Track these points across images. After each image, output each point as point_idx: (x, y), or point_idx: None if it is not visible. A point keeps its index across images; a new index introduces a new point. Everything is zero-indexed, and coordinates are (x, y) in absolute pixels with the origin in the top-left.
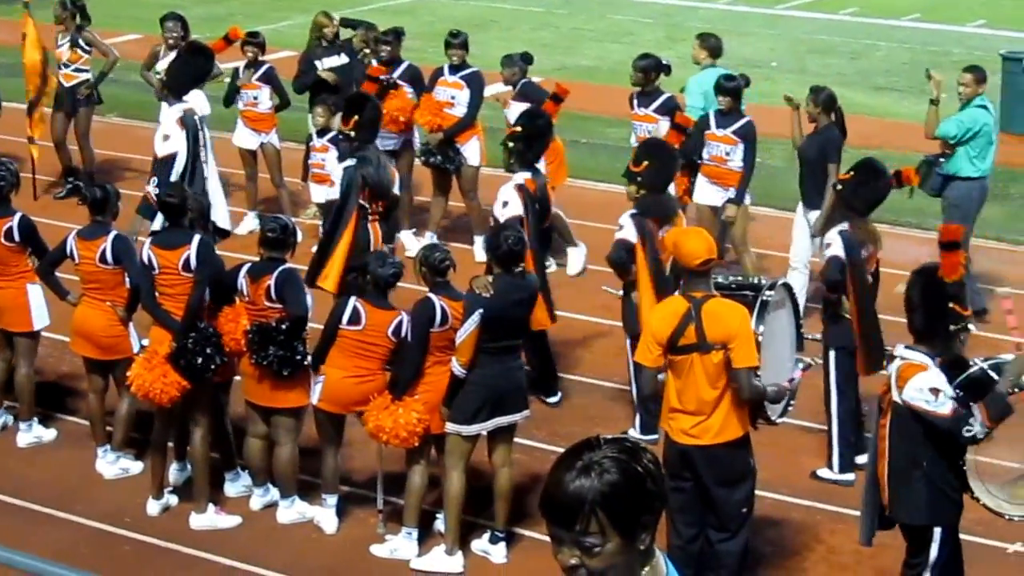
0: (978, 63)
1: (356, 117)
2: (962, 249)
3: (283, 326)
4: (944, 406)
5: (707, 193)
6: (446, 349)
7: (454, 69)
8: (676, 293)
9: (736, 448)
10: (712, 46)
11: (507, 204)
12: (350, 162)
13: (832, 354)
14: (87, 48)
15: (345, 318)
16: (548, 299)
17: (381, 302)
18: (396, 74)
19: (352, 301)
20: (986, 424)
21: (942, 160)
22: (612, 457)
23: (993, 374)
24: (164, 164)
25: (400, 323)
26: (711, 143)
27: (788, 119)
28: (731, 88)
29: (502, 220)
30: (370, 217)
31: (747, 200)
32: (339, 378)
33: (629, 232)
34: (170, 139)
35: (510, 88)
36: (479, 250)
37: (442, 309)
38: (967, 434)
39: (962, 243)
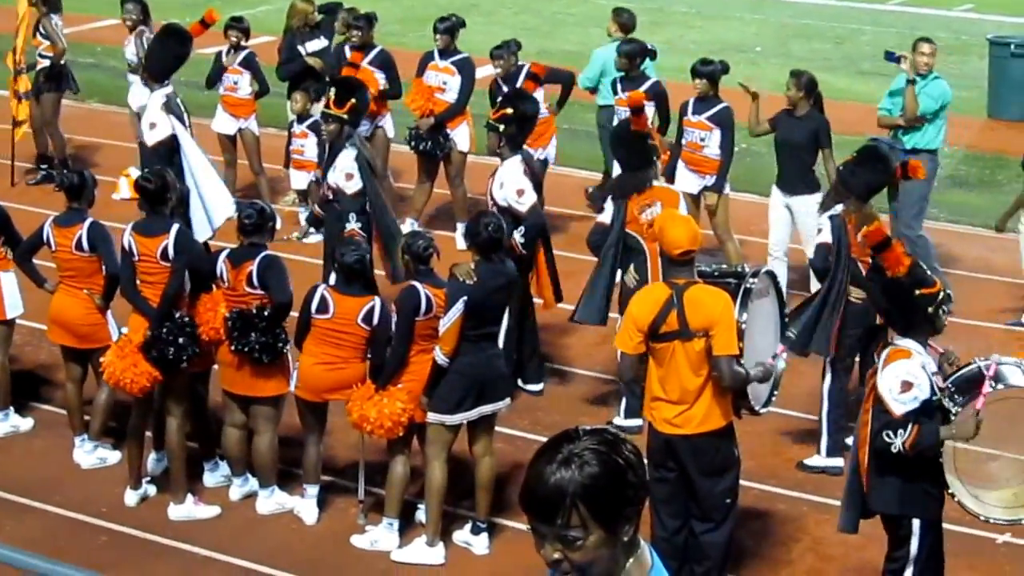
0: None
1: (353, 101)
2: (896, 240)
3: (265, 312)
4: (901, 404)
5: (685, 180)
6: (430, 338)
7: (444, 54)
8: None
9: (720, 438)
10: (624, 21)
11: (523, 192)
12: (354, 151)
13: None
14: (45, 35)
15: (313, 306)
16: (556, 280)
17: (350, 289)
18: (367, 59)
19: (320, 289)
20: (906, 448)
21: (901, 141)
22: (592, 449)
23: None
24: (156, 153)
25: (371, 310)
26: (687, 129)
27: (772, 104)
28: (707, 72)
29: (523, 210)
30: None
31: (727, 188)
32: (310, 364)
33: (606, 215)
34: (157, 127)
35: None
36: (460, 237)
37: (427, 297)
38: (886, 440)
39: (894, 235)
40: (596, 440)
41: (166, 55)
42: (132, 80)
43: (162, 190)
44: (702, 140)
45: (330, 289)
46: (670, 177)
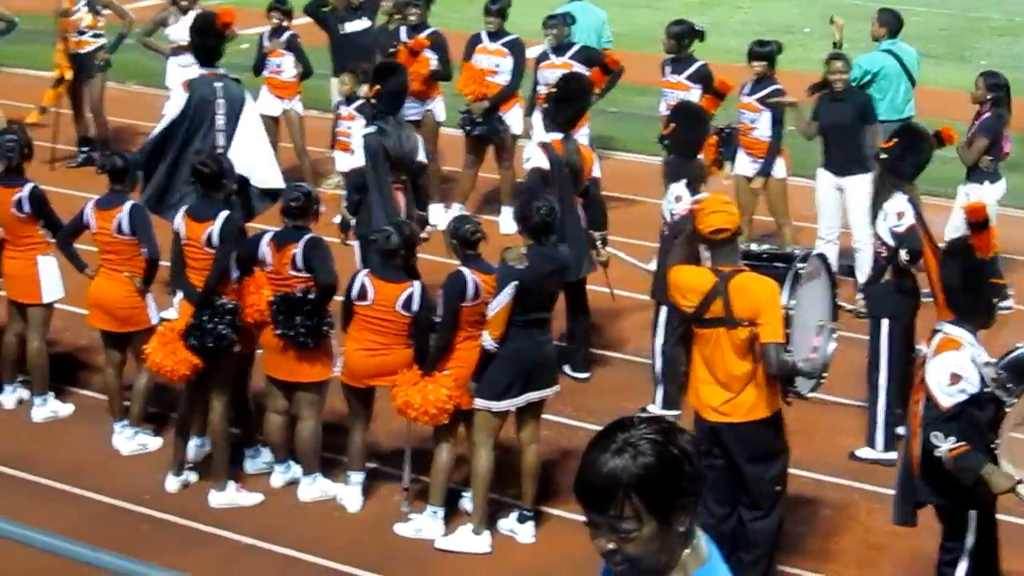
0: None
1: (379, 86)
2: (992, 225)
3: (309, 295)
4: (949, 397)
5: (741, 163)
6: (477, 324)
7: (494, 36)
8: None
9: (768, 426)
10: None
11: (529, 159)
12: (369, 129)
13: (885, 324)
14: (102, 11)
15: (354, 293)
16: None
17: (388, 275)
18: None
19: (360, 276)
20: (947, 459)
21: None
22: (648, 438)
23: None
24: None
25: (410, 296)
26: (741, 111)
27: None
28: (764, 53)
29: (526, 172)
30: (394, 187)
31: (782, 171)
32: (353, 350)
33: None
34: (170, 101)
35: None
36: (505, 221)
37: (474, 282)
38: (933, 440)
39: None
40: (652, 429)
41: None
42: (170, 62)
43: (218, 175)
44: (752, 122)
45: (369, 275)
46: (731, 159)
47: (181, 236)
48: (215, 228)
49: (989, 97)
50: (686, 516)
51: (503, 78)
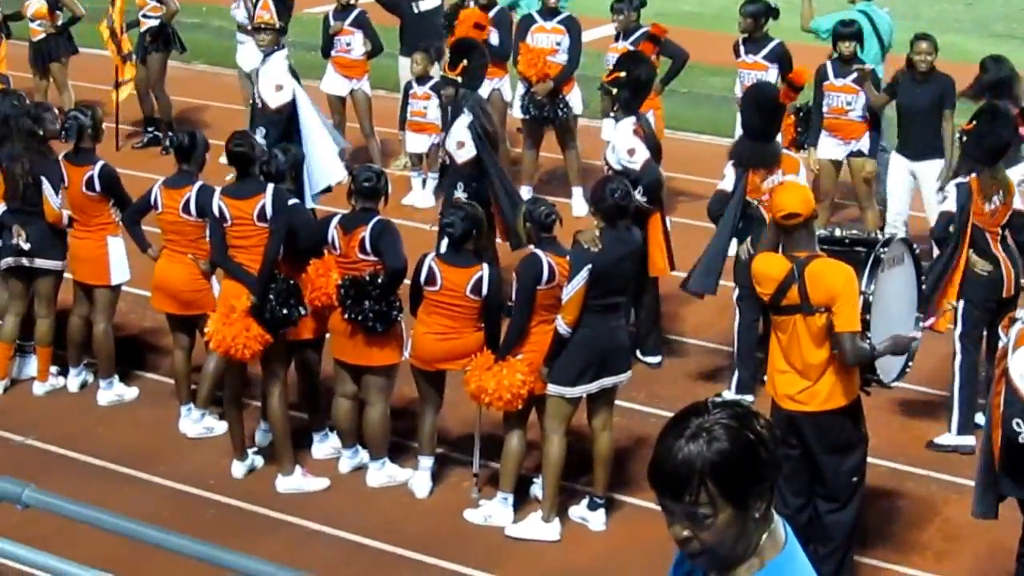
0: None
1: (465, 62)
2: None
3: (378, 279)
4: None
5: (827, 147)
6: (551, 308)
7: (548, 15)
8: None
9: (846, 415)
10: None
11: (634, 151)
12: (468, 118)
13: (960, 305)
14: None
15: (422, 278)
16: (669, 245)
17: (457, 259)
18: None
19: (428, 260)
20: None
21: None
22: (723, 423)
23: None
24: (278, 115)
25: (479, 280)
26: (830, 94)
27: (899, 67)
28: (852, 34)
29: (637, 167)
30: None
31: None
32: (422, 334)
33: (727, 182)
34: (283, 88)
35: None
36: (577, 203)
37: (549, 266)
38: (1015, 427)
39: None
40: (727, 414)
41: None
42: (243, 40)
43: (251, 154)
44: (848, 104)
45: (437, 260)
46: (814, 144)
47: (226, 218)
48: (267, 200)
49: None
50: (762, 502)
51: (562, 57)
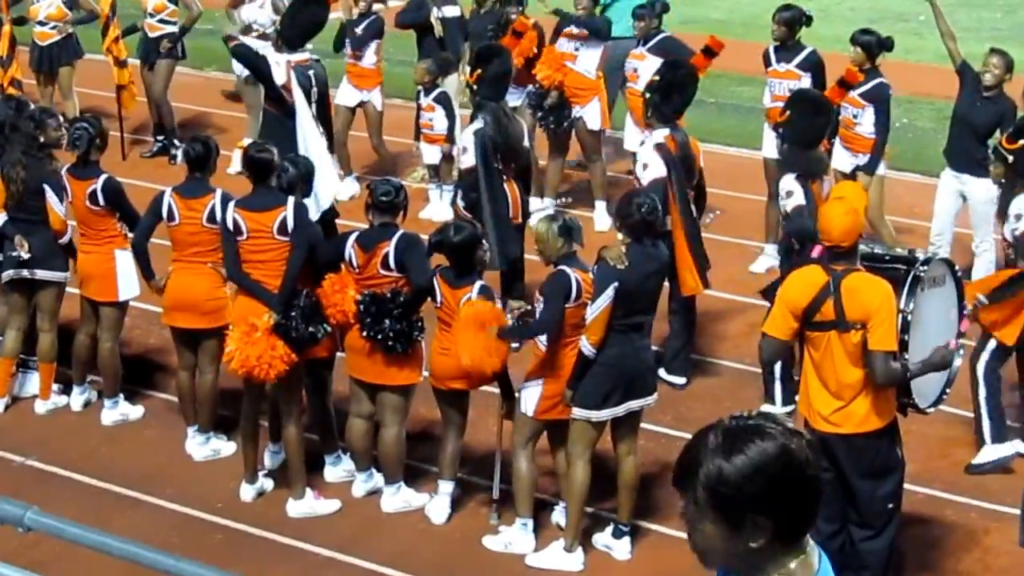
0: None
1: (480, 71)
2: None
3: (400, 297)
4: None
5: (839, 157)
6: (575, 327)
7: (579, 22)
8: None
9: (881, 438)
10: None
11: (647, 167)
12: (477, 124)
13: None
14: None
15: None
16: (702, 263)
17: (456, 279)
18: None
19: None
20: None
21: None
22: (744, 441)
23: None
24: (280, 123)
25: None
26: (842, 104)
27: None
28: (863, 42)
29: (645, 183)
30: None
31: (882, 169)
32: (435, 350)
33: (798, 197)
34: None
35: None
36: (600, 218)
37: (577, 282)
38: None
39: None
40: (772, 445)
41: (300, 22)
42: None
43: (273, 162)
44: (855, 117)
45: (438, 277)
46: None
47: (241, 231)
48: (288, 213)
49: None
50: (761, 534)
51: (582, 64)
